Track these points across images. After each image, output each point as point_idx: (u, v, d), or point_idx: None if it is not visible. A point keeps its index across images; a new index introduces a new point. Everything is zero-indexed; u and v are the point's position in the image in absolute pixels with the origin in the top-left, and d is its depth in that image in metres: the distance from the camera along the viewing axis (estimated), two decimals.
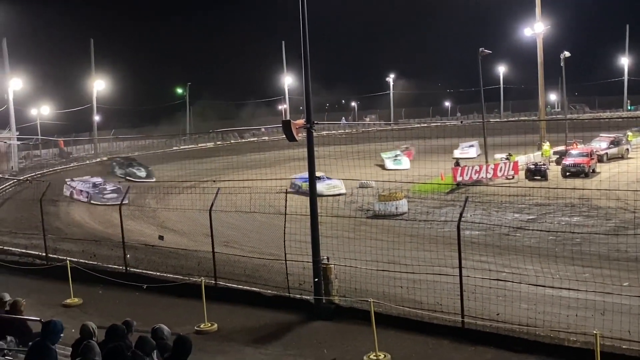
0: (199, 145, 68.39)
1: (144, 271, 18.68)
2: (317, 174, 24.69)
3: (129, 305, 16.21)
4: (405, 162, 46.82)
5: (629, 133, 49.58)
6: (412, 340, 13.36)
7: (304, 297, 15.70)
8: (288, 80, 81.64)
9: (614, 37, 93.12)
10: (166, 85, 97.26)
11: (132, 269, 18.83)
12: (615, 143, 46.30)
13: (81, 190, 36.49)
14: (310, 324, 14.82)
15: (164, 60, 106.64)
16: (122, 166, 46.57)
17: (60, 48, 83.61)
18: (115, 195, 33.78)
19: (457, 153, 49.65)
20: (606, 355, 10.75)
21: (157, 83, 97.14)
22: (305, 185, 26.84)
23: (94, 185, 36.64)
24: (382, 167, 46.16)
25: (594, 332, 10.53)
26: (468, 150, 51.30)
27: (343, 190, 33.93)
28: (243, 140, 71.56)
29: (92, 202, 34.94)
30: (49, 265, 19.56)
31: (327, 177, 32.58)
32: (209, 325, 14.71)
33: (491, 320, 13.34)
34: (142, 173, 44.35)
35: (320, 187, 27.32)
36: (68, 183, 38.04)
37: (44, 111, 68.75)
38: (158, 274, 18.31)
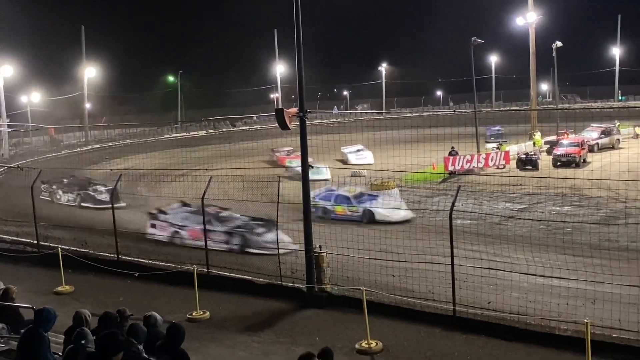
0: (191, 133, 68.19)
1: (135, 259, 18.66)
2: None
3: (121, 293, 16.20)
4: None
5: (617, 123, 49.77)
6: (404, 328, 13.42)
7: (296, 285, 15.74)
8: (280, 69, 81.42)
9: (606, 28, 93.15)
10: (158, 73, 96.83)
11: (123, 257, 18.80)
12: (606, 133, 46.52)
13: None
14: (302, 312, 14.86)
15: (156, 48, 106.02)
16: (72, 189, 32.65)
17: (51, 35, 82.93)
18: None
19: (352, 159, 43.59)
20: (597, 343, 10.84)
21: (149, 71, 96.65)
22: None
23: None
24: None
25: (585, 320, 10.60)
26: (363, 154, 44.02)
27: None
28: (235, 129, 71.36)
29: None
30: (40, 252, 19.52)
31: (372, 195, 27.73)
32: (201, 313, 14.73)
33: (482, 308, 13.42)
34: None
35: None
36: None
37: (34, 98, 68.34)
38: (150, 262, 18.29)
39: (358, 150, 44.23)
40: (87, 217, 26.87)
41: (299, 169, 29.06)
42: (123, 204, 26.07)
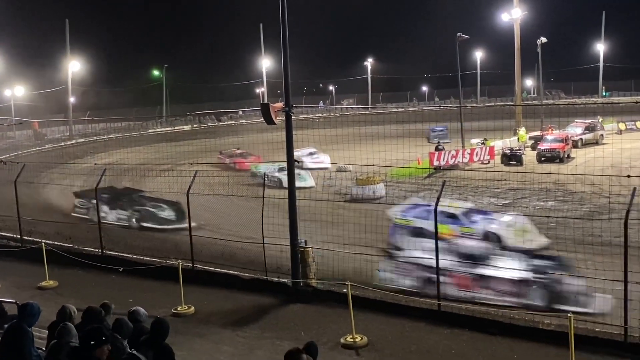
0: (176, 128, 67.88)
1: (120, 254, 18.58)
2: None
3: (105, 287, 16.11)
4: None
5: (600, 119, 50.15)
6: (389, 322, 13.48)
7: (281, 280, 15.75)
8: (266, 63, 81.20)
9: (590, 24, 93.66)
10: (143, 67, 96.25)
11: (108, 252, 18.71)
12: (590, 129, 46.91)
13: None
14: (287, 307, 14.87)
15: (141, 42, 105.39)
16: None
17: (35, 28, 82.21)
18: None
19: (308, 162, 38.79)
20: (580, 337, 10.93)
21: (134, 65, 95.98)
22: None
23: None
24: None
25: (568, 315, 10.68)
26: (319, 157, 39.64)
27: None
28: (220, 123, 71.12)
29: None
30: (24, 247, 19.37)
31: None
32: (186, 308, 14.70)
33: (467, 302, 13.50)
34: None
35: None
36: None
37: (18, 92, 67.74)
38: (134, 256, 18.23)
39: (311, 154, 39.47)
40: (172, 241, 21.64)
41: (279, 175, 27.89)
42: (194, 224, 19.28)
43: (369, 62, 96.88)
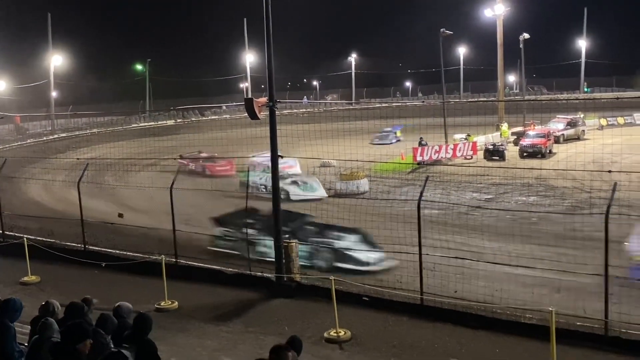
0: (159, 122, 67.60)
1: (103, 249, 18.51)
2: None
3: (88, 283, 16.06)
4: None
5: (581, 115, 50.57)
6: (372, 317, 13.54)
7: (265, 275, 15.76)
8: (250, 58, 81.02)
9: (573, 20, 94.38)
10: (126, 62, 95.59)
11: (90, 247, 18.62)
12: (571, 124, 47.30)
13: None
14: (271, 302, 14.90)
15: (124, 37, 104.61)
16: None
17: (17, 22, 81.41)
18: None
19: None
20: (561, 331, 11.04)
21: (117, 59, 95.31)
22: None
23: None
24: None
25: (550, 309, 10.78)
26: (287, 162, 30.51)
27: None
28: (204, 118, 70.90)
29: None
30: (6, 242, 19.24)
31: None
32: (170, 303, 14.67)
33: (449, 297, 13.59)
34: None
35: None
36: None
37: None
38: (117, 252, 18.16)
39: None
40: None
41: (287, 187, 25.75)
42: None
43: (352, 58, 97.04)
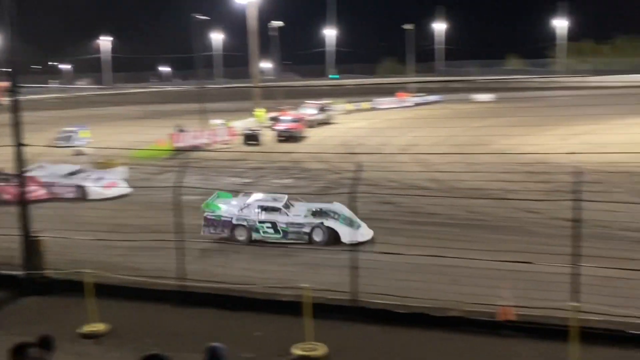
0: None
1: None
2: None
3: None
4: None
5: (330, 100, 53.94)
6: (133, 307, 13.28)
7: (11, 272, 14.67)
8: None
9: (323, 10, 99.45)
10: None
11: None
12: (322, 110, 50.41)
13: None
14: (20, 301, 13.95)
15: None
16: None
17: None
18: None
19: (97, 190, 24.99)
20: (316, 305, 11.66)
21: None
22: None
23: None
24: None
25: (303, 285, 11.35)
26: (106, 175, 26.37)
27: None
28: None
29: None
30: None
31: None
32: None
33: (211, 282, 13.76)
34: None
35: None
36: None
37: None
38: None
39: (77, 173, 26.21)
40: None
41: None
42: None
43: (109, 41, 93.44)
